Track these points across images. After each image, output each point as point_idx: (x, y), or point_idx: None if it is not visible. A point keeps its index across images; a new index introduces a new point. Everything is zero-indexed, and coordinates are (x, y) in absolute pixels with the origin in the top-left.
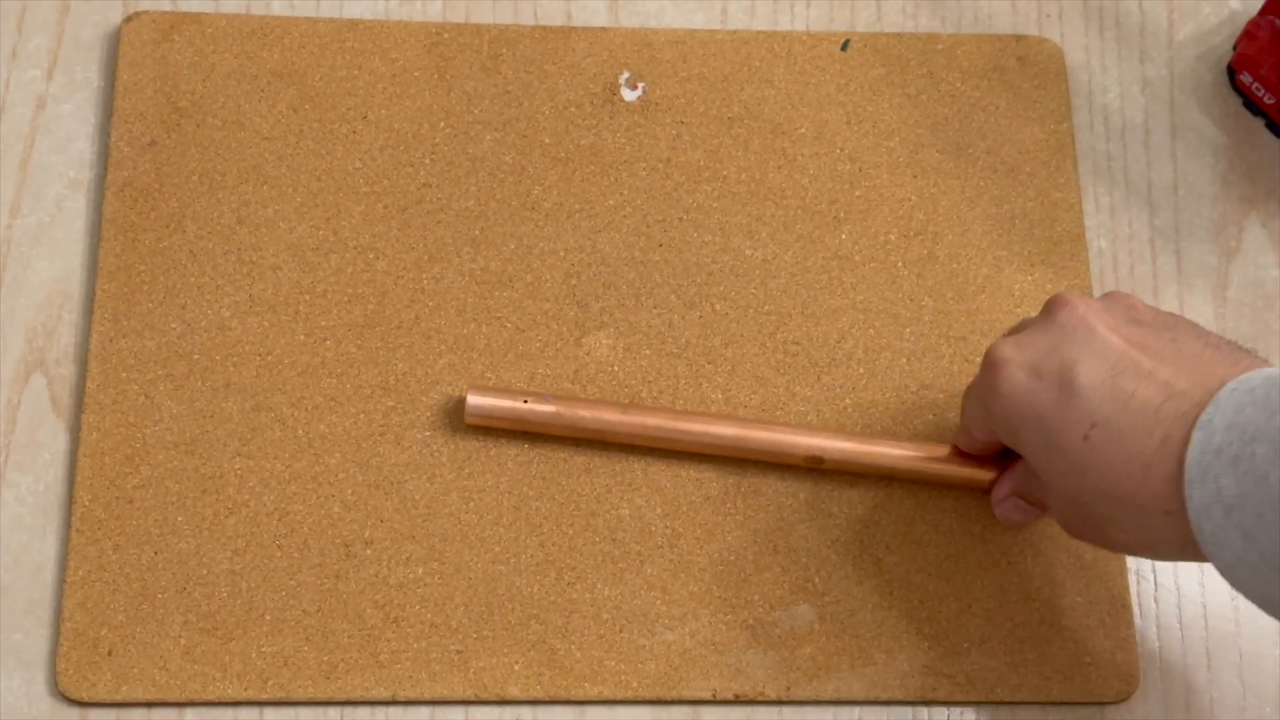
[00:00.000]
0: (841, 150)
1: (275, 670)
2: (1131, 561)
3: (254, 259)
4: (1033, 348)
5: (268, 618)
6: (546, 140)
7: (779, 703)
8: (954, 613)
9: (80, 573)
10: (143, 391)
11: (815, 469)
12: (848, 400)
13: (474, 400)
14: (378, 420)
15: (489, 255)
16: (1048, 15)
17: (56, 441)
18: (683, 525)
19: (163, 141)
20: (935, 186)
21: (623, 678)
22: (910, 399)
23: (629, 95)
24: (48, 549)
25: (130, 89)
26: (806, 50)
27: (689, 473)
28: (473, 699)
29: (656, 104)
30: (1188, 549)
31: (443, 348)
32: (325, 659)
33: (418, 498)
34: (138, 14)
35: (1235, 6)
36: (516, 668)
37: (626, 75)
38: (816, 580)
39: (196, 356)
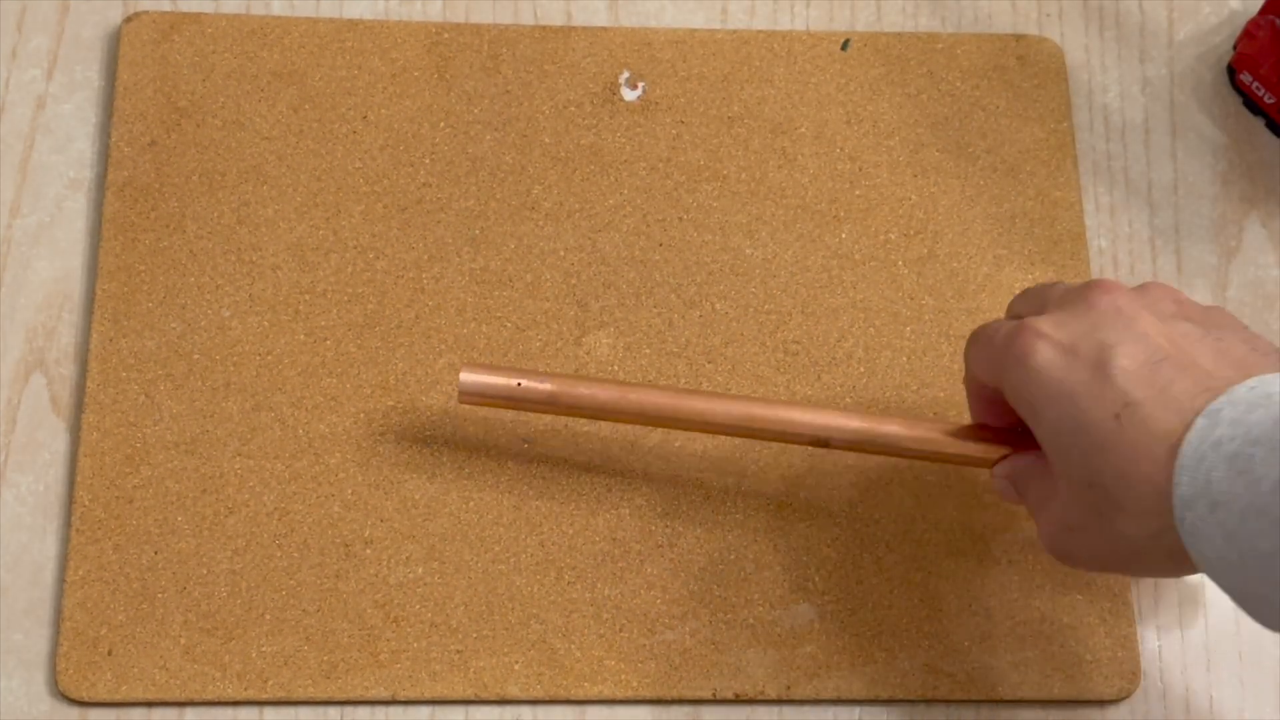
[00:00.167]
0: (841, 150)
1: (275, 670)
2: None
3: (254, 259)
4: (1070, 328)
5: (268, 618)
6: (546, 140)
7: (779, 702)
8: (954, 611)
9: (80, 573)
10: (143, 391)
11: (823, 448)
12: (848, 399)
13: (467, 378)
14: (378, 420)
15: (489, 255)
16: (1048, 15)
17: (56, 441)
18: (683, 525)
19: (163, 141)
20: (935, 186)
21: (623, 677)
22: (910, 398)
23: (629, 95)
24: (48, 549)
25: (130, 89)
26: (806, 50)
27: (689, 473)
28: (473, 699)
29: (656, 104)
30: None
31: (443, 348)
32: (325, 659)
33: (418, 498)
34: (138, 14)
35: (1235, 6)
36: (516, 667)
37: (626, 75)
38: (816, 580)
39: (196, 356)
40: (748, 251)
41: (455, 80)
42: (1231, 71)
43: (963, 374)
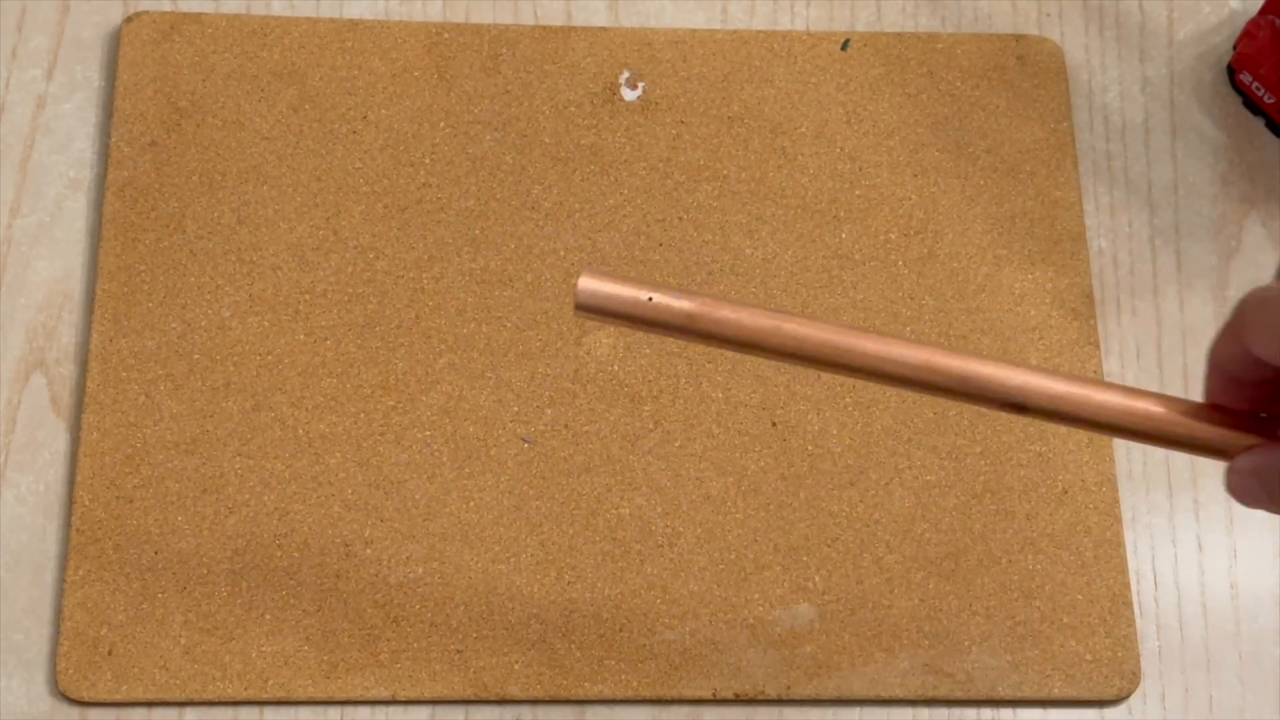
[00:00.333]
0: (841, 150)
1: (275, 670)
2: (1132, 561)
3: (254, 259)
4: None
5: (268, 618)
6: (546, 140)
7: (779, 702)
8: (954, 611)
9: (80, 573)
10: (143, 391)
11: (1016, 413)
12: (848, 399)
13: (588, 285)
14: (378, 420)
15: (489, 255)
16: (1048, 15)
17: (56, 441)
18: (683, 525)
19: (163, 141)
20: (935, 185)
21: (623, 677)
22: (911, 397)
23: (629, 95)
24: (48, 549)
25: (130, 89)
26: (806, 50)
27: (689, 472)
28: (473, 698)
29: (656, 104)
30: None
31: (443, 348)
32: (325, 659)
33: (418, 498)
34: (138, 14)
35: (1235, 6)
36: (516, 667)
37: (626, 75)
38: (816, 580)
39: (196, 356)
40: (748, 251)
41: (455, 80)
42: (1231, 71)
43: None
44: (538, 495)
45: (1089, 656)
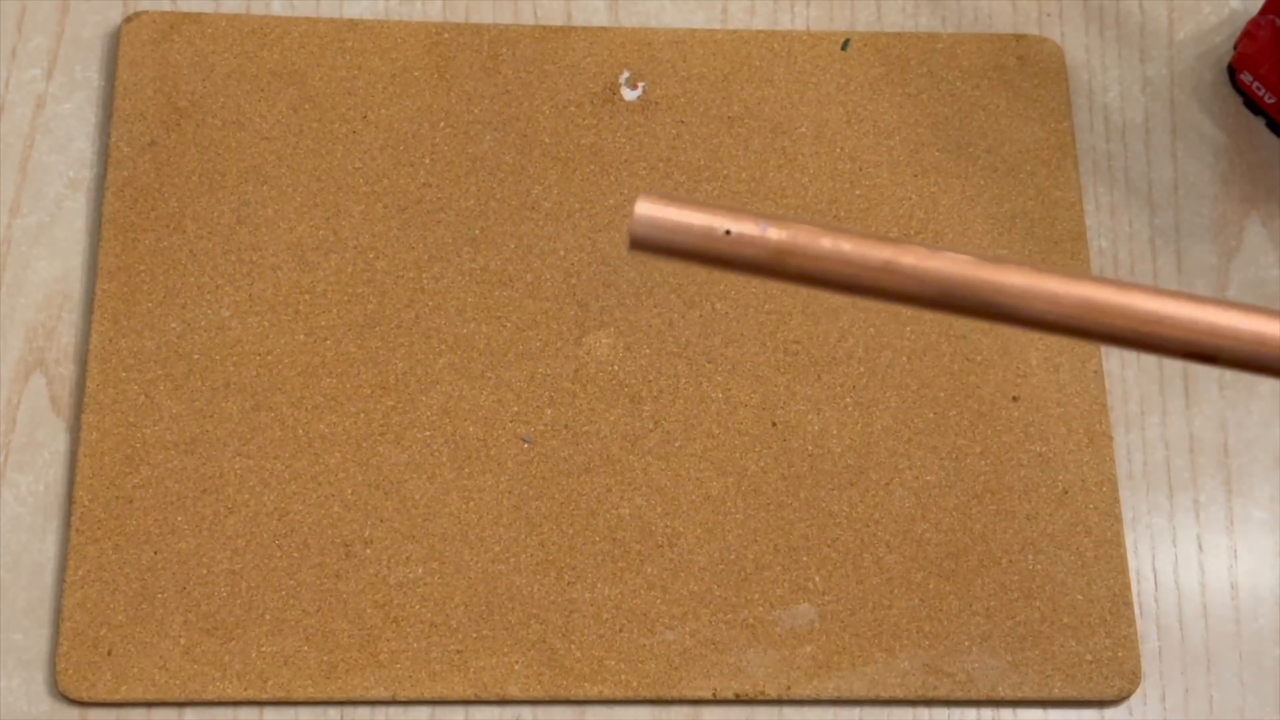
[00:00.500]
0: (841, 149)
1: (275, 670)
2: (1132, 561)
3: (254, 259)
4: None
5: (268, 618)
6: (546, 140)
7: (779, 702)
8: (954, 611)
9: (80, 573)
10: (143, 391)
11: (1200, 362)
12: (848, 399)
13: (646, 211)
14: (377, 420)
15: (489, 255)
16: (1048, 15)
17: (56, 441)
18: (683, 525)
19: (163, 141)
20: (935, 185)
21: (623, 677)
22: (911, 398)
23: (629, 95)
24: (48, 549)
25: (130, 89)
26: (806, 50)
27: (689, 472)
28: (473, 699)
29: (656, 104)
30: None
31: (443, 348)
32: (325, 659)
33: (418, 498)
34: (138, 14)
35: (1235, 6)
36: (516, 667)
37: (626, 75)
38: (816, 580)
39: (196, 356)
40: None
41: (455, 80)
42: (1232, 71)
43: (963, 377)
44: (538, 495)
45: (1089, 656)
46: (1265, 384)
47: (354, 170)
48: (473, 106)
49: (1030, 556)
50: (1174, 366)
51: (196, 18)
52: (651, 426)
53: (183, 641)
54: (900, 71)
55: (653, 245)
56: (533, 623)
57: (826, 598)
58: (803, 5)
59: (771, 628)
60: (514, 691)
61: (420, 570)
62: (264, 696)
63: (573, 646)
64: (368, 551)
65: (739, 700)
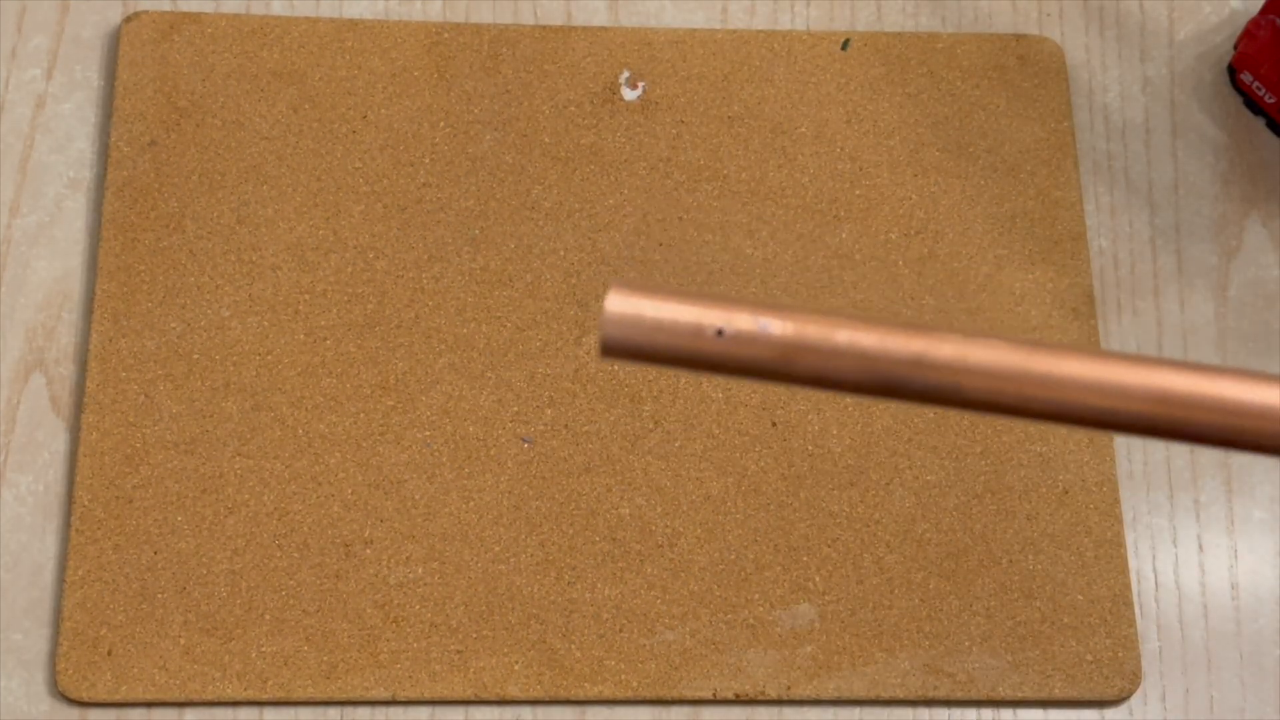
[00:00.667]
0: (841, 149)
1: (275, 670)
2: (1133, 561)
3: (254, 259)
4: None
5: (268, 618)
6: (546, 140)
7: (779, 702)
8: (955, 612)
9: (80, 573)
10: (143, 391)
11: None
12: (848, 399)
13: (618, 306)
14: (377, 420)
15: (489, 255)
16: (1048, 15)
17: (56, 441)
18: (683, 525)
19: (163, 141)
20: (935, 185)
21: (623, 677)
22: None
23: (629, 95)
24: (48, 549)
25: (130, 89)
26: (806, 50)
27: (689, 472)
28: (473, 699)
29: (656, 103)
30: None
31: (443, 348)
32: (325, 659)
33: (418, 498)
34: (138, 14)
35: (1236, 6)
36: (516, 668)
37: (626, 75)
38: (816, 580)
39: (196, 356)
40: (748, 251)
41: (455, 80)
42: (1232, 71)
43: None
44: (538, 495)
45: (1089, 657)
46: None
47: (354, 170)
48: (473, 106)
49: (1030, 556)
50: None
51: (196, 18)
52: (651, 426)
53: (183, 641)
54: (900, 71)
55: (629, 351)
56: (533, 623)
57: (826, 598)
58: (803, 5)
59: (772, 628)
60: (514, 692)
61: (420, 570)
62: (264, 697)
63: (573, 647)
64: (368, 551)
65: (739, 700)
